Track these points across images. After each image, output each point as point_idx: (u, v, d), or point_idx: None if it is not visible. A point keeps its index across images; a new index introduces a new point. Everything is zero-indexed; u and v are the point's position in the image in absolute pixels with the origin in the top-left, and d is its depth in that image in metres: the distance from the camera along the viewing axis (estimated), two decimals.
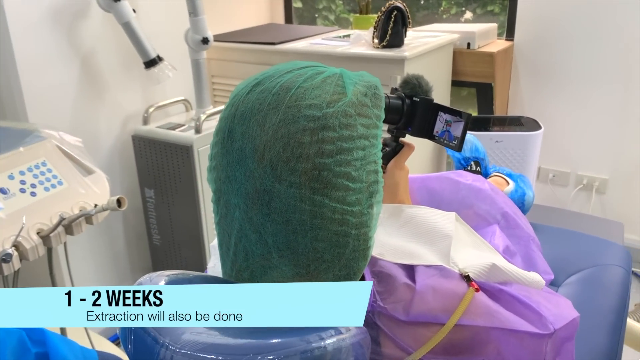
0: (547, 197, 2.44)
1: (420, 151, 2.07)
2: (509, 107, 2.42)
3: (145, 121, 1.88)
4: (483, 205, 1.12)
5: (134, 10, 1.66)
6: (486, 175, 1.72)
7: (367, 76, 0.63)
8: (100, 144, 1.82)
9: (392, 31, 1.93)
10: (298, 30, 2.45)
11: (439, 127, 0.85)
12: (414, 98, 0.87)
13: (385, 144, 0.92)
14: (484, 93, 2.31)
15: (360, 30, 2.41)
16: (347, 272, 0.57)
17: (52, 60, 1.64)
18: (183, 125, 1.87)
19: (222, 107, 1.85)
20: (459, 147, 0.83)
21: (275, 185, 0.53)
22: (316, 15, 4.67)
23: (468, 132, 2.11)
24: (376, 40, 1.98)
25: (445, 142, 0.85)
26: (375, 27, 1.99)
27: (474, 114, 2.42)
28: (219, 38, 2.20)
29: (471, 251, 0.71)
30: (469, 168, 1.75)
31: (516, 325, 0.61)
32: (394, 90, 0.90)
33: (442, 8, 3.65)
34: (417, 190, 1.15)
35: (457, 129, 0.83)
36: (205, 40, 1.77)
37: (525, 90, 2.36)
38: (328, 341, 0.48)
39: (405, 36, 1.98)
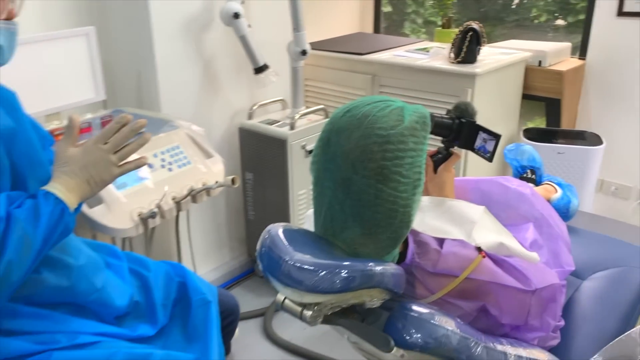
0: (609, 208, 2.58)
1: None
2: (577, 121, 2.58)
3: (250, 116, 2.26)
4: (523, 207, 1.37)
5: (249, 26, 2.03)
6: (539, 182, 1.94)
7: (421, 109, 0.92)
8: (213, 133, 2.21)
9: (466, 49, 2.18)
10: (383, 41, 2.73)
11: (478, 142, 1.13)
12: (461, 119, 1.15)
13: (438, 152, 1.21)
14: (552, 107, 2.49)
15: (441, 43, 2.66)
16: (395, 235, 0.87)
17: (182, 62, 2.04)
18: (279, 121, 2.23)
19: (314, 107, 2.20)
20: (490, 159, 1.10)
21: (354, 176, 0.84)
22: (405, 18, 4.86)
23: (528, 143, 2.32)
24: (452, 56, 2.24)
25: (481, 154, 1.13)
26: (452, 44, 2.25)
27: (543, 126, 2.61)
28: (314, 46, 2.53)
29: (490, 234, 0.99)
30: (525, 175, 1.98)
31: (508, 282, 0.89)
32: (448, 111, 1.19)
33: (532, 15, 3.76)
34: (471, 190, 1.42)
35: (490, 145, 1.10)
36: (304, 52, 2.12)
37: (593, 107, 2.51)
38: (377, 267, 0.79)
39: (479, 53, 2.22)
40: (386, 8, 4.51)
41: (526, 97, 2.50)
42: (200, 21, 2.04)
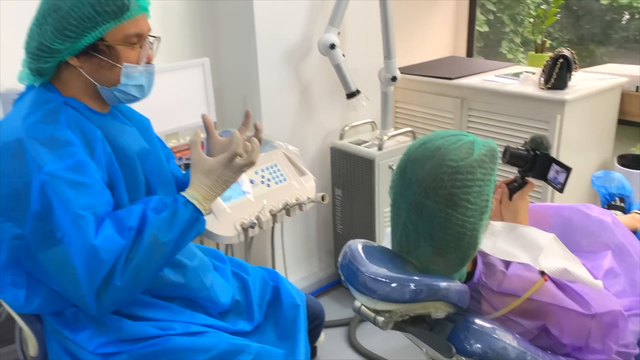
0: None
1: (582, 185, 2.29)
2: None
3: (341, 137, 2.42)
4: (604, 234, 1.41)
5: (344, 55, 2.20)
6: (629, 210, 1.92)
7: (491, 143, 1.02)
8: (307, 152, 2.40)
9: (557, 75, 2.19)
10: (474, 65, 2.79)
11: (551, 174, 1.20)
12: (536, 151, 1.23)
13: (514, 180, 1.29)
14: None
15: (534, 67, 2.67)
16: (463, 255, 0.98)
17: (282, 87, 2.25)
18: (368, 142, 2.37)
19: (402, 130, 2.29)
20: (561, 190, 1.17)
21: (426, 201, 0.96)
22: (502, 38, 4.81)
23: (622, 169, 2.28)
24: (542, 81, 2.26)
25: (553, 185, 1.20)
26: (543, 70, 2.27)
27: None
28: (405, 70, 2.66)
29: (557, 260, 1.06)
30: (613, 203, 1.96)
31: (568, 304, 0.96)
32: (524, 143, 1.27)
33: None
34: (552, 216, 1.48)
35: (562, 177, 1.17)
36: (394, 79, 2.25)
37: None
38: (442, 283, 0.91)
39: (570, 79, 2.23)
40: (482, 28, 4.50)
41: (623, 122, 2.45)
42: (300, 51, 2.24)
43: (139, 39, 1.14)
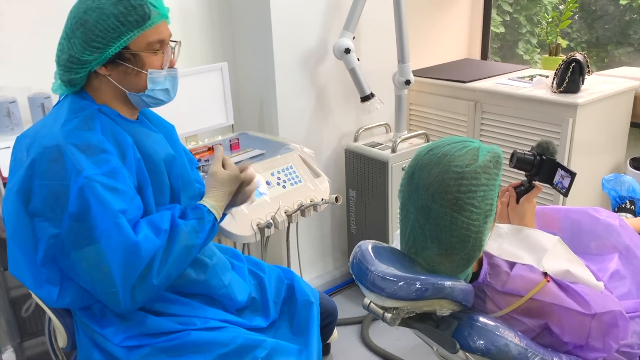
0: None
1: (594, 188, 2.31)
2: None
3: (355, 139, 2.47)
4: (611, 237, 1.44)
5: (358, 59, 2.25)
6: (639, 213, 1.94)
7: (495, 149, 1.07)
8: (322, 154, 2.46)
9: (569, 79, 2.22)
10: (488, 68, 2.82)
11: (557, 178, 1.25)
12: (542, 157, 1.27)
13: (521, 184, 1.33)
14: None
15: (547, 70, 2.69)
16: (468, 257, 1.03)
17: (298, 91, 2.31)
18: (382, 144, 2.42)
19: (415, 132, 2.34)
20: (566, 194, 1.21)
21: (433, 205, 1.01)
22: (519, 39, 4.80)
23: (634, 172, 2.29)
24: (555, 85, 2.28)
25: (558, 189, 1.24)
26: (555, 74, 2.29)
27: None
28: (419, 73, 2.70)
29: (560, 261, 1.11)
30: (623, 205, 1.99)
31: (569, 304, 1.01)
32: (532, 148, 1.31)
33: None
34: (561, 219, 1.51)
35: (566, 182, 1.21)
36: (407, 82, 2.30)
37: None
38: (447, 282, 0.96)
39: (583, 83, 2.25)
40: (499, 29, 4.50)
41: (636, 125, 2.46)
42: (316, 56, 2.30)
43: (161, 45, 1.21)
